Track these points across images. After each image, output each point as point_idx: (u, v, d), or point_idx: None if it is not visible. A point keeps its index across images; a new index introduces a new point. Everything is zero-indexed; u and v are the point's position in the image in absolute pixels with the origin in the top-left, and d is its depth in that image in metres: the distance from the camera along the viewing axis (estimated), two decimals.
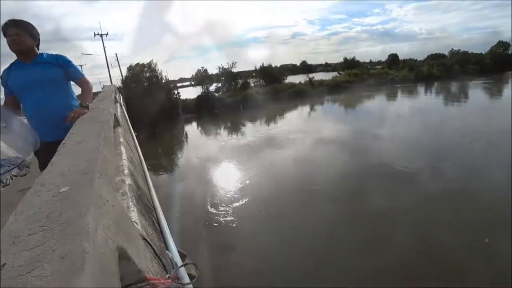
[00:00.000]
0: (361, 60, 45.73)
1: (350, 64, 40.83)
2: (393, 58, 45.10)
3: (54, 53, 2.49)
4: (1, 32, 2.27)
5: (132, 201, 1.41)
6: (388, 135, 14.07)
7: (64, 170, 1.05)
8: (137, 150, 3.42)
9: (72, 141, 1.46)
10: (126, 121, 4.71)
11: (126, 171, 1.80)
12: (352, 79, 34.84)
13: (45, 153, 2.10)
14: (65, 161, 1.15)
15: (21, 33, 2.28)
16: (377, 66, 48.05)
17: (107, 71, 28.72)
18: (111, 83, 27.25)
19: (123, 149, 2.28)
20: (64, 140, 1.51)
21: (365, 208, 7.34)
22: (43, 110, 2.33)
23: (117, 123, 3.05)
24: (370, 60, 63.18)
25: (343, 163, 10.78)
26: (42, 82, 2.35)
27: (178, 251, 2.85)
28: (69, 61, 2.52)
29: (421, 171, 9.16)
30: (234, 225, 7.25)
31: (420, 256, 5.42)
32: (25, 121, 2.44)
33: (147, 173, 2.67)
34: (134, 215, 1.29)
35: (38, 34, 2.42)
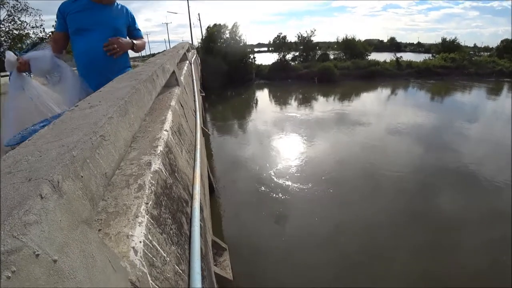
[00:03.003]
0: (463, 43, 38.92)
1: (448, 47, 34.20)
2: (507, 44, 36.40)
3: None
4: None
5: (147, 204, 0.96)
6: (478, 137, 11.92)
7: (21, 159, 0.63)
8: (195, 114, 3.03)
9: (86, 104, 1.06)
10: (193, 80, 4.38)
11: (159, 149, 1.36)
12: (447, 64, 29.77)
13: None
14: (42, 140, 0.73)
15: None
16: (482, 53, 40.63)
17: (190, 30, 29.63)
18: (192, 42, 28.13)
19: (170, 115, 1.86)
20: (79, 102, 1.11)
21: (432, 210, 6.49)
22: (97, 57, 2.01)
23: (175, 82, 2.67)
24: (475, 44, 54.73)
25: (418, 157, 9.61)
26: (108, 28, 2.07)
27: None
28: (134, 18, 2.31)
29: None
30: (288, 197, 7.01)
31: (482, 273, 4.65)
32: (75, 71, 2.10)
33: (199, 145, 2.25)
34: (138, 231, 0.83)
35: None
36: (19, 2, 23.19)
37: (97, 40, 2.02)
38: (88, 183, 0.65)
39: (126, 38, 2.21)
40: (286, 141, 11.35)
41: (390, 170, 8.51)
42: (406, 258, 5.01)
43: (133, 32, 2.27)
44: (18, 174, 0.57)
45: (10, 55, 1.75)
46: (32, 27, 24.94)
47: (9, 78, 1.74)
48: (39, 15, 24.89)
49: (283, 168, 8.52)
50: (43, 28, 25.97)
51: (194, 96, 3.65)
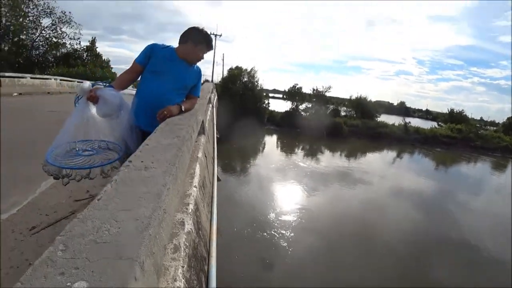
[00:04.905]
0: (470, 115, 39.82)
1: (456, 118, 35.55)
2: None
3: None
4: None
5: (183, 267, 1.04)
6: (481, 210, 11.89)
7: (101, 227, 0.73)
8: (213, 162, 3.16)
9: (139, 162, 1.18)
10: (213, 125, 4.57)
11: (190, 207, 1.46)
12: (454, 134, 30.45)
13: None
14: (113, 205, 0.84)
15: None
16: (488, 127, 41.51)
17: (212, 68, 31.47)
18: (212, 79, 29.43)
19: (197, 169, 1.98)
20: (133, 157, 1.23)
21: (427, 281, 6.38)
22: (159, 103, 2.18)
23: (202, 131, 2.83)
24: (481, 117, 55.66)
25: (416, 224, 9.60)
26: (179, 82, 2.31)
27: None
28: (201, 78, 2.55)
29: None
30: (279, 244, 7.08)
31: None
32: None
33: (216, 198, 2.34)
34: None
35: None
36: (65, 15, 25.70)
37: (166, 88, 2.22)
38: (157, 258, 0.75)
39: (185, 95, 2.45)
40: (287, 189, 11.45)
41: (387, 233, 8.46)
42: None
43: (193, 89, 2.46)
44: (105, 247, 0.67)
45: (86, 84, 1.94)
46: (70, 38, 27.39)
47: (76, 100, 1.94)
48: (79, 29, 27.24)
49: (280, 217, 8.55)
50: (80, 41, 28.34)
51: (214, 142, 3.81)
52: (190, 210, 1.43)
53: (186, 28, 2.32)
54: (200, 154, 2.28)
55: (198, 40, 2.28)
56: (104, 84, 2.12)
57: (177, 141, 1.54)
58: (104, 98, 1.91)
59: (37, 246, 2.66)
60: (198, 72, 2.46)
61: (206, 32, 2.34)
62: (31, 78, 14.45)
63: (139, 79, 2.37)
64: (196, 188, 1.72)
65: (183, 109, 2.30)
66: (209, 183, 2.47)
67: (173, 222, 1.31)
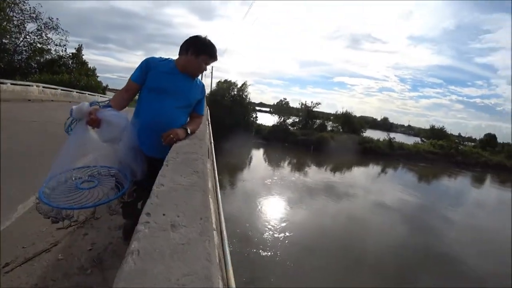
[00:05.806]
0: (449, 131, 41.80)
1: (437, 134, 37.46)
2: (490, 139, 39.62)
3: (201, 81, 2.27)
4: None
5: None
6: (462, 223, 12.17)
7: None
8: (217, 188, 2.86)
9: (161, 215, 0.90)
10: (211, 143, 4.27)
11: (215, 260, 1.18)
12: (436, 150, 31.54)
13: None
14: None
15: None
16: (466, 143, 43.26)
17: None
18: None
19: (211, 204, 1.70)
20: (148, 209, 0.94)
21: None
22: (163, 122, 1.95)
23: (208, 154, 2.55)
24: (459, 133, 57.52)
25: (400, 237, 9.63)
26: (184, 99, 2.07)
27: None
28: (205, 93, 2.30)
29: (494, 276, 7.53)
30: (265, 256, 7.00)
31: None
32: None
33: (225, 231, 2.06)
34: None
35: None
36: (52, 21, 24.78)
37: (168, 107, 1.99)
38: None
39: (188, 113, 2.22)
40: (271, 202, 11.39)
41: (371, 246, 8.50)
42: None
43: (197, 106, 2.23)
44: None
45: (84, 105, 1.58)
46: (56, 45, 26.43)
47: (69, 126, 1.57)
48: (66, 36, 26.32)
49: (264, 231, 8.41)
50: (66, 48, 27.37)
51: (214, 165, 3.49)
52: (216, 263, 1.15)
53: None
54: (210, 185, 2.00)
55: (200, 50, 2.03)
56: (100, 104, 1.80)
57: (197, 178, 1.28)
58: (108, 120, 1.59)
59: None
60: (202, 86, 2.23)
61: (209, 41, 2.10)
62: (12, 84, 13.83)
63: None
64: (215, 231, 1.45)
65: (189, 132, 2.05)
66: (216, 218, 2.19)
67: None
